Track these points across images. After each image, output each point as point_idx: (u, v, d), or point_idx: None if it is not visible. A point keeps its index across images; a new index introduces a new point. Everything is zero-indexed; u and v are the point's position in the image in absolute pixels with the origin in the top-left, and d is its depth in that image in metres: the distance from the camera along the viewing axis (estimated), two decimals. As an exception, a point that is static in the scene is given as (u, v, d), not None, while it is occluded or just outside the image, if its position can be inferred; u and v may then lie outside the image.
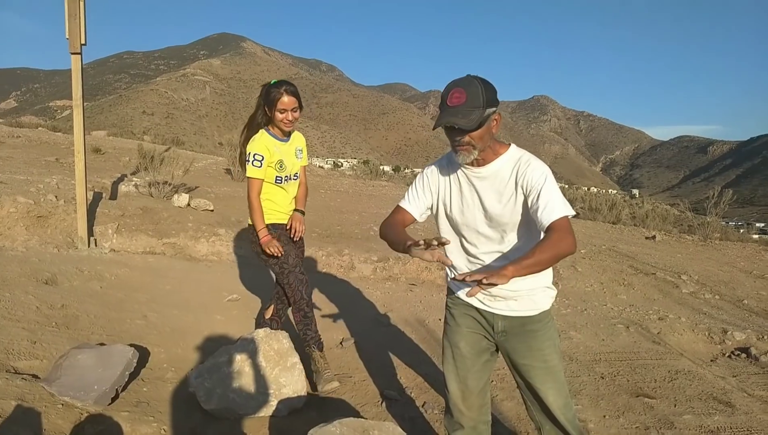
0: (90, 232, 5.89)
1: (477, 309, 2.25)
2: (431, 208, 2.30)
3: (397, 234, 2.12)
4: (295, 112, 3.19)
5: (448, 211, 2.22)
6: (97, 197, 6.78)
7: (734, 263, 8.67)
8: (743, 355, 4.61)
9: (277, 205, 3.42)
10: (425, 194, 2.27)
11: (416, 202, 2.28)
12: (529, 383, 2.22)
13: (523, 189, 2.03)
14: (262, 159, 3.21)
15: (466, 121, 1.91)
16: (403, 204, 2.29)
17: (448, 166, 2.22)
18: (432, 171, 2.27)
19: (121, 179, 8.27)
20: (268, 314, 3.71)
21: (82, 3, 5.56)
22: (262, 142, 3.23)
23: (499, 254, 2.15)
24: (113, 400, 2.95)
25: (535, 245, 1.88)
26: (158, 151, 9.26)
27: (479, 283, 1.71)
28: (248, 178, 3.26)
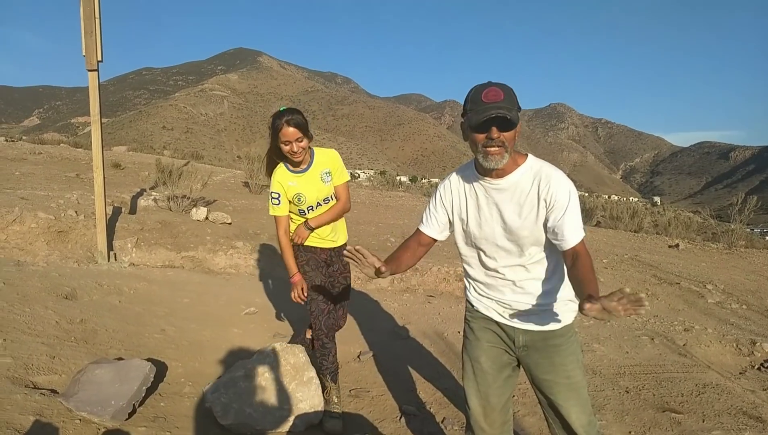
0: (110, 247, 5.94)
1: (497, 323, 2.19)
2: (450, 225, 2.26)
3: (393, 253, 2.29)
4: (300, 141, 3.00)
5: (465, 226, 2.17)
6: (117, 212, 6.85)
7: (761, 272, 8.45)
8: (773, 367, 4.46)
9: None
10: (440, 212, 2.24)
11: (431, 222, 2.26)
12: (551, 400, 2.15)
13: (546, 203, 1.97)
14: (279, 196, 3.14)
15: (512, 115, 1.86)
16: (420, 226, 2.30)
17: (463, 181, 2.16)
18: (445, 187, 2.22)
19: (140, 194, 8.36)
20: (309, 334, 3.67)
21: (97, 21, 5.65)
22: (275, 179, 3.15)
23: (521, 268, 2.09)
24: (130, 415, 2.94)
25: (587, 275, 1.81)
26: (176, 165, 9.36)
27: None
28: (274, 216, 3.23)
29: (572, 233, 1.92)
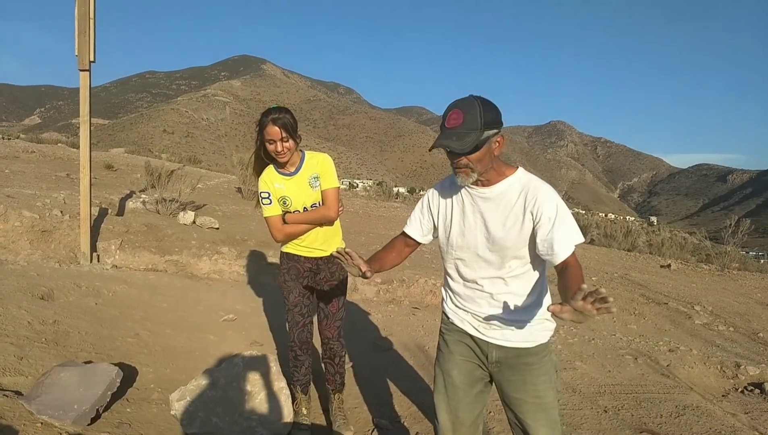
0: (93, 248, 5.88)
1: (471, 337, 2.15)
2: (434, 230, 2.27)
3: (378, 252, 2.32)
4: (286, 142, 2.84)
5: (448, 233, 2.16)
6: (103, 213, 6.79)
7: (751, 294, 8.42)
8: (756, 391, 4.41)
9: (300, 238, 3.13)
10: (425, 216, 2.26)
11: (416, 225, 2.29)
12: (520, 418, 2.11)
13: (532, 215, 1.95)
14: (269, 195, 2.99)
15: (460, 144, 1.86)
16: (405, 228, 2.32)
17: (451, 188, 2.16)
18: (433, 193, 2.24)
19: (129, 196, 8.31)
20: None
21: (92, 21, 5.63)
22: (263, 179, 3.02)
23: (500, 281, 2.06)
24: (94, 420, 2.87)
25: (575, 282, 1.75)
26: (166, 168, 9.31)
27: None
28: (265, 218, 3.04)
29: (562, 247, 1.87)
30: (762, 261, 16.15)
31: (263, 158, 3.02)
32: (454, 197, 2.14)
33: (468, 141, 1.86)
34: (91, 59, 5.74)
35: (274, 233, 3.03)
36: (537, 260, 2.01)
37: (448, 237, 2.15)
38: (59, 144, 18.32)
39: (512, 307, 2.06)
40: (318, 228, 3.06)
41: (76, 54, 5.71)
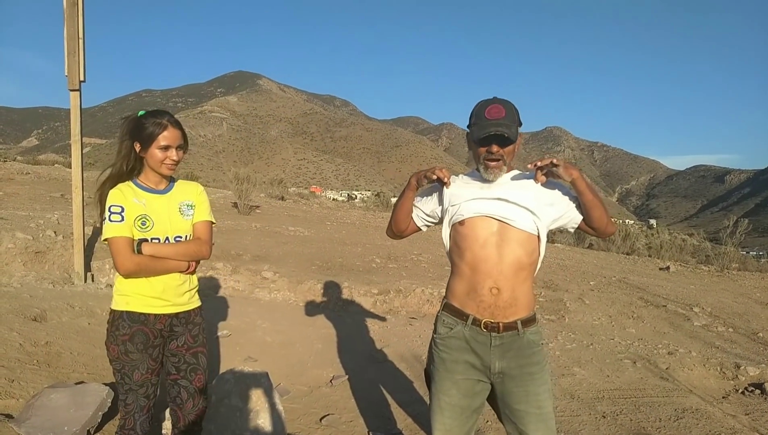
0: (87, 268, 5.87)
1: (473, 350, 2.09)
2: (438, 215, 2.25)
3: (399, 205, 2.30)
4: (180, 150, 2.31)
5: (458, 212, 2.12)
6: (98, 232, 6.77)
7: (750, 295, 8.40)
8: (757, 392, 4.38)
9: (138, 285, 2.26)
10: (435, 200, 2.25)
11: (422, 211, 2.28)
12: (521, 430, 2.07)
13: (549, 193, 2.11)
14: (122, 210, 2.21)
15: (510, 133, 1.99)
16: (416, 203, 2.31)
17: (467, 179, 2.20)
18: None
19: (124, 214, 8.30)
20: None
21: (81, 41, 5.66)
22: (117, 191, 2.26)
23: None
24: (85, 442, 2.84)
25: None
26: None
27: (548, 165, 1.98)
28: (108, 240, 2.20)
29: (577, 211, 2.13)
30: (762, 260, 16.14)
31: (124, 171, 2.32)
32: (464, 184, 2.18)
33: (514, 131, 2.01)
34: (81, 79, 5.76)
35: (119, 261, 2.18)
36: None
37: (461, 219, 2.11)
38: (56, 164, 18.34)
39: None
40: (177, 273, 2.32)
41: (66, 74, 5.73)
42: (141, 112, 2.31)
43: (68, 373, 3.56)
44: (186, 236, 2.35)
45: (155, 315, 2.27)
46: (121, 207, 2.22)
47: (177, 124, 2.30)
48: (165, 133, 2.25)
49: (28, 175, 11.84)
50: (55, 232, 6.34)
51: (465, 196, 2.13)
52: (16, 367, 3.48)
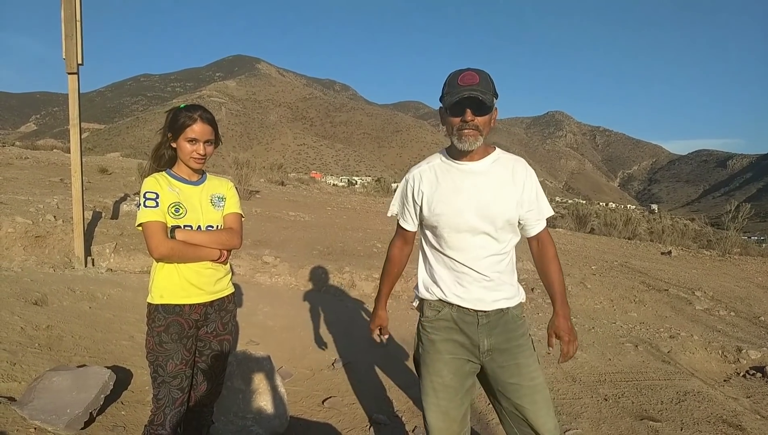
0: (87, 252, 5.85)
1: (462, 330, 2.10)
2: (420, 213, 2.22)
3: (384, 286, 2.38)
4: (210, 145, 2.37)
5: (440, 209, 2.09)
6: (97, 217, 6.76)
7: (752, 279, 8.39)
8: (758, 375, 4.38)
9: (175, 275, 2.31)
10: (411, 204, 2.20)
11: (408, 217, 2.24)
12: (517, 404, 2.06)
13: (523, 187, 2.06)
14: (157, 196, 2.28)
15: (486, 98, 1.91)
16: (402, 223, 2.28)
17: (433, 170, 2.14)
18: (415, 177, 2.18)
19: (124, 199, 8.27)
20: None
21: (78, 24, 5.59)
22: (152, 179, 2.34)
23: (488, 255, 2.06)
24: (87, 424, 2.85)
25: (551, 277, 2.18)
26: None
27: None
28: (142, 225, 2.24)
29: (541, 221, 2.14)
30: (763, 245, 16.14)
31: (160, 160, 2.44)
32: (440, 175, 2.11)
33: (489, 97, 1.92)
34: (79, 62, 5.69)
35: (153, 244, 2.21)
36: (514, 229, 2.12)
37: (440, 215, 2.09)
38: (54, 150, 18.28)
39: (496, 272, 2.09)
40: (209, 262, 2.36)
41: (64, 57, 5.66)
42: (181, 105, 2.39)
43: (70, 357, 3.55)
44: (217, 226, 2.41)
45: (191, 305, 2.31)
46: (155, 193, 2.28)
47: (208, 120, 2.35)
48: (194, 126, 2.31)
49: (26, 160, 11.79)
50: (54, 217, 6.32)
51: (439, 194, 2.11)
52: (18, 350, 3.47)
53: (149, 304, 2.33)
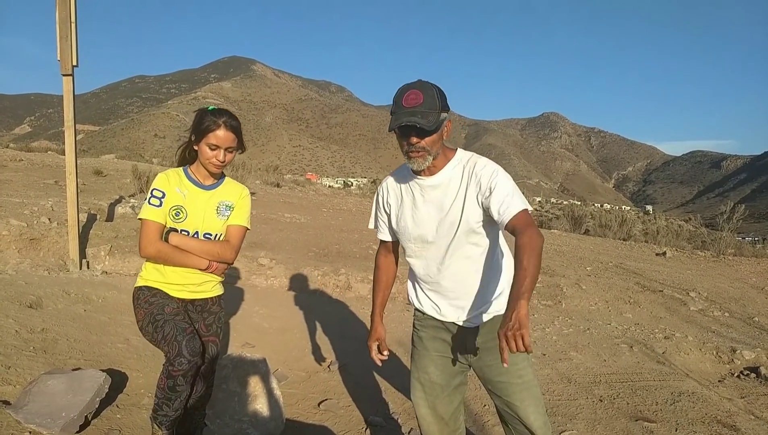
0: (82, 254, 5.83)
1: (447, 329, 2.15)
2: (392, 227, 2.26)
3: (376, 297, 2.37)
4: (231, 152, 2.36)
5: (403, 224, 2.15)
6: (92, 219, 6.74)
7: (746, 279, 8.43)
8: (752, 375, 4.41)
9: (164, 273, 2.39)
10: (383, 216, 2.26)
11: (385, 228, 2.29)
12: (507, 402, 2.11)
13: (479, 188, 1.97)
14: (163, 196, 2.31)
15: (426, 122, 1.85)
16: (379, 235, 2.31)
17: (399, 182, 2.17)
18: (383, 190, 2.25)
19: (119, 201, 8.24)
20: None
21: (73, 25, 5.58)
22: (165, 176, 2.39)
23: (459, 260, 2.07)
24: (82, 427, 2.83)
25: (516, 264, 1.73)
26: (154, 171, 9.24)
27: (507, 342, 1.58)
28: (141, 220, 2.31)
29: (505, 208, 1.86)
30: (758, 246, 16.21)
31: (183, 162, 2.51)
32: (403, 191, 2.15)
33: (431, 120, 1.87)
34: (74, 63, 5.68)
35: (143, 243, 2.27)
36: (492, 231, 2.05)
37: (404, 229, 2.15)
38: (49, 152, 18.20)
39: (477, 284, 2.08)
40: (196, 270, 2.39)
41: (59, 59, 5.65)
42: (210, 108, 2.39)
43: (65, 360, 3.54)
44: (216, 235, 2.42)
45: (177, 299, 2.40)
46: (162, 192, 2.33)
47: (233, 127, 2.35)
48: (217, 132, 2.30)
49: (21, 162, 11.74)
50: (49, 219, 6.30)
51: (403, 210, 2.15)
52: (13, 353, 3.45)
53: (134, 290, 2.41)
